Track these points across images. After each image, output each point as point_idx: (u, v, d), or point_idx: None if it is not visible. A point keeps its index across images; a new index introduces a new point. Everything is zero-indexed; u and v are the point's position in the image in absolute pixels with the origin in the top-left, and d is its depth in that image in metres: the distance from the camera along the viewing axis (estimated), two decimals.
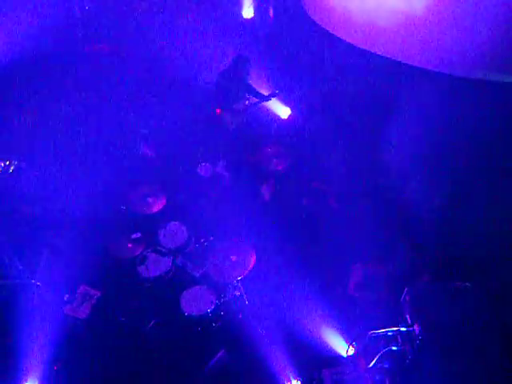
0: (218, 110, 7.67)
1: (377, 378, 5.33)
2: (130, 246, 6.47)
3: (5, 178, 6.87)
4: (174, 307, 6.03)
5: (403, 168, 7.04)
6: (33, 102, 8.42)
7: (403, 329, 5.37)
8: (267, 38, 9.49)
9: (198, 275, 6.37)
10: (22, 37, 8.75)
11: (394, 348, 5.35)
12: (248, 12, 9.80)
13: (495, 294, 5.56)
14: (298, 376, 5.61)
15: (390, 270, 6.35)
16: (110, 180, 7.16)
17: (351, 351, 5.60)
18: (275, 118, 8.31)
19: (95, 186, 7.15)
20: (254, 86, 7.69)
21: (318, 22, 8.18)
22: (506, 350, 5.03)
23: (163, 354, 5.91)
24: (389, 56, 7.25)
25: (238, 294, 6.15)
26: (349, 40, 7.62)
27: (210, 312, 5.95)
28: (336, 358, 5.71)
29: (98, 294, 6.23)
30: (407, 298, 5.56)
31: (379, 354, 5.30)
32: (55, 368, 5.76)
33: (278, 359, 5.75)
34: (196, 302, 6.00)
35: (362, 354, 5.51)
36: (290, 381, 5.58)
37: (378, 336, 5.46)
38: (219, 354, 5.84)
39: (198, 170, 7.46)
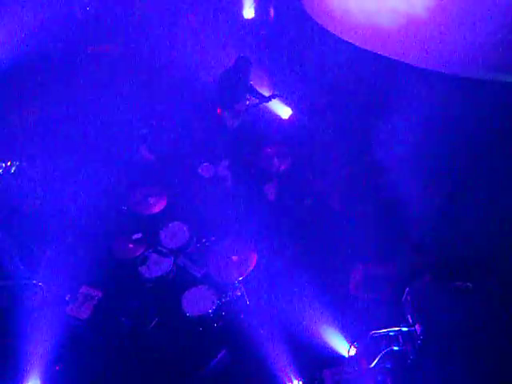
0: (219, 110, 7.68)
1: (378, 378, 5.33)
2: (131, 246, 6.48)
3: (6, 178, 6.87)
4: (175, 307, 6.03)
5: (403, 168, 7.04)
6: (34, 102, 8.43)
7: (404, 329, 5.39)
8: (268, 38, 9.49)
9: (199, 275, 6.38)
10: (22, 37, 8.75)
11: (395, 348, 5.36)
12: (249, 12, 9.80)
13: (496, 294, 5.56)
14: (300, 376, 5.60)
15: (391, 270, 6.35)
16: (111, 180, 7.17)
17: (352, 351, 5.61)
18: (276, 118, 8.31)
19: (96, 186, 7.15)
20: (255, 86, 7.69)
21: (318, 22, 8.19)
22: (507, 350, 5.04)
23: (164, 354, 5.91)
24: (390, 56, 7.25)
25: (239, 294, 6.15)
26: (350, 40, 7.62)
27: (212, 312, 5.95)
28: (337, 358, 5.70)
29: (100, 295, 6.23)
30: (408, 298, 5.57)
31: (380, 354, 5.32)
32: (57, 368, 5.77)
33: (280, 359, 5.75)
34: (197, 302, 6.01)
35: (364, 354, 5.51)
36: (292, 381, 5.58)
37: (380, 336, 5.47)
38: (221, 354, 5.85)
39: (199, 171, 7.47)
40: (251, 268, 6.05)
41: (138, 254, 6.44)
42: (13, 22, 8.73)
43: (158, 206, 6.80)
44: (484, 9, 6.27)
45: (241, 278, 6.05)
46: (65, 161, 7.58)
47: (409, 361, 5.30)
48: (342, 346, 5.77)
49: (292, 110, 8.31)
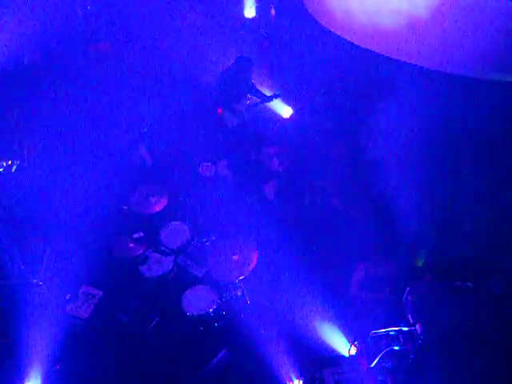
0: (220, 110, 7.68)
1: (379, 377, 5.33)
2: (131, 245, 6.49)
3: (7, 177, 6.87)
4: (175, 307, 6.04)
5: (403, 168, 7.04)
6: (33, 101, 8.41)
7: (405, 328, 5.39)
8: (269, 37, 9.48)
9: (199, 275, 6.38)
10: (22, 36, 8.75)
11: (395, 348, 5.36)
12: (250, 12, 9.79)
13: (496, 294, 5.56)
14: (300, 375, 5.61)
15: (391, 269, 6.34)
16: (111, 180, 7.16)
17: (353, 351, 5.61)
18: (277, 117, 8.30)
19: (97, 185, 7.15)
20: (256, 86, 7.69)
21: (319, 22, 8.17)
22: (508, 350, 5.03)
23: (165, 354, 5.91)
24: (391, 55, 7.24)
25: (239, 293, 6.16)
26: (351, 39, 7.61)
27: (212, 312, 5.95)
28: (338, 358, 5.70)
29: (100, 294, 6.25)
30: (409, 298, 5.58)
31: (381, 354, 5.31)
32: (57, 367, 5.77)
33: (280, 358, 5.75)
34: (198, 302, 6.01)
35: (364, 353, 5.51)
36: (292, 380, 5.58)
37: (380, 336, 5.47)
38: (221, 354, 5.85)
39: (200, 170, 7.47)
40: (252, 267, 6.04)
41: (138, 253, 6.44)
42: (13, 22, 8.73)
43: (158, 206, 6.79)
44: (485, 9, 6.26)
45: (241, 278, 6.05)
46: (65, 160, 7.58)
47: (409, 360, 5.29)
48: (343, 346, 5.77)
49: (293, 109, 8.30)
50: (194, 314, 5.94)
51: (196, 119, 8.29)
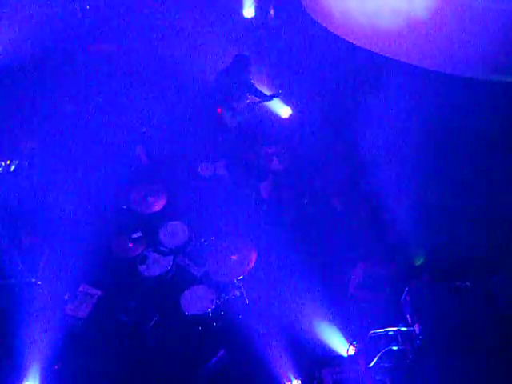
0: (219, 110, 7.67)
1: (377, 377, 5.33)
2: (130, 245, 6.48)
3: (6, 177, 6.87)
4: (174, 307, 6.03)
5: (403, 168, 7.04)
6: (33, 101, 8.42)
7: (404, 328, 5.40)
8: (268, 37, 9.48)
9: (198, 275, 6.38)
10: (22, 36, 8.75)
11: (394, 348, 5.36)
12: (249, 11, 9.79)
13: (495, 294, 5.56)
14: (299, 375, 5.60)
15: (391, 269, 6.35)
16: (110, 179, 7.16)
17: (352, 351, 5.61)
18: (276, 117, 8.30)
19: (96, 185, 7.15)
20: (255, 85, 7.69)
21: (318, 22, 8.18)
22: (506, 350, 5.04)
23: (163, 353, 5.91)
24: (391, 56, 7.25)
25: (238, 293, 6.15)
26: (350, 39, 7.62)
27: (211, 311, 5.95)
28: (336, 358, 5.70)
29: (99, 293, 6.24)
30: (408, 298, 5.58)
31: (380, 354, 5.32)
32: (56, 367, 5.77)
33: (279, 358, 5.75)
34: (196, 302, 6.01)
35: (363, 353, 5.51)
36: (291, 380, 5.58)
37: (379, 335, 5.48)
38: (219, 354, 5.85)
39: (199, 170, 7.47)
40: (250, 267, 6.04)
41: (137, 252, 6.43)
42: (12, 22, 8.73)
43: (157, 205, 6.79)
44: (485, 10, 6.27)
45: (240, 278, 6.05)
46: (64, 159, 7.58)
47: (408, 360, 5.30)
48: (341, 346, 5.77)
49: (292, 109, 8.30)
50: (193, 313, 5.93)
51: (195, 119, 8.29)
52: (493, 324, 5.22)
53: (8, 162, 6.91)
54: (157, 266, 6.32)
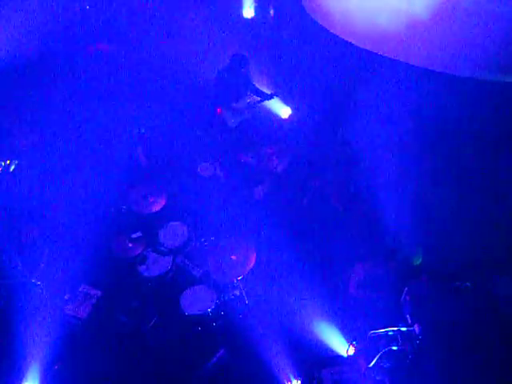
0: (219, 110, 7.67)
1: (377, 377, 5.34)
2: (130, 245, 6.48)
3: (5, 177, 6.87)
4: (174, 307, 6.03)
5: (403, 168, 7.05)
6: (33, 101, 8.42)
7: (403, 328, 5.40)
8: (268, 37, 9.48)
9: (198, 275, 6.37)
10: (22, 36, 8.74)
11: (394, 348, 5.37)
12: (249, 12, 9.79)
13: (495, 294, 5.57)
14: (298, 375, 5.60)
15: (390, 269, 6.34)
16: (110, 179, 7.16)
17: (351, 351, 5.61)
18: (276, 117, 8.30)
19: (96, 185, 7.15)
20: (255, 85, 7.70)
21: (318, 22, 8.18)
22: (506, 350, 5.04)
23: (163, 354, 5.91)
24: (390, 56, 7.25)
25: (238, 293, 6.16)
26: (350, 40, 7.62)
27: (210, 311, 5.95)
28: (336, 358, 5.70)
29: (99, 294, 6.24)
30: (407, 298, 5.58)
31: (379, 354, 5.32)
32: (55, 367, 5.76)
33: (278, 358, 5.74)
34: (196, 302, 6.00)
35: (362, 353, 5.51)
36: (290, 380, 5.58)
37: (378, 336, 5.48)
38: (219, 354, 5.85)
39: (199, 170, 7.47)
40: (250, 267, 6.04)
41: (137, 253, 6.43)
42: (12, 22, 8.73)
43: (157, 205, 6.78)
44: (484, 10, 6.27)
45: (240, 278, 6.05)
46: (64, 159, 7.58)
47: (407, 360, 5.30)
48: (341, 346, 5.77)
49: (292, 109, 8.30)
50: (193, 313, 5.93)
51: (195, 119, 8.29)
52: (493, 324, 5.22)
53: (8, 162, 6.92)
54: (156, 266, 6.32)
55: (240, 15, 9.79)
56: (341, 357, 5.69)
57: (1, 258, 6.19)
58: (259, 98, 7.75)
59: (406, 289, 5.65)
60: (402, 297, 5.69)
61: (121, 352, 5.90)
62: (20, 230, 6.55)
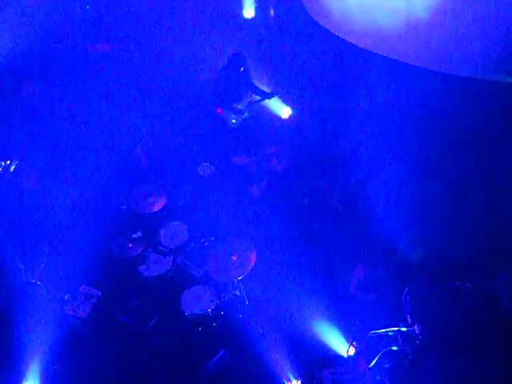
0: (219, 110, 7.67)
1: (377, 377, 5.33)
2: (130, 245, 6.49)
3: (5, 177, 6.87)
4: (174, 307, 6.03)
5: (403, 168, 7.05)
6: (32, 101, 8.42)
7: (404, 329, 5.40)
8: (268, 37, 9.48)
9: (198, 275, 6.37)
10: (22, 36, 8.75)
11: (394, 348, 5.37)
12: (249, 12, 9.79)
13: (496, 294, 5.56)
14: (298, 376, 5.60)
15: (390, 269, 6.35)
16: (110, 179, 7.16)
17: (351, 351, 5.61)
18: (276, 117, 8.30)
19: (96, 185, 7.15)
20: (255, 84, 7.70)
21: (319, 22, 8.19)
22: (506, 350, 5.04)
23: (164, 354, 5.91)
24: (390, 56, 7.26)
25: (238, 293, 6.16)
26: (350, 40, 7.62)
27: (211, 311, 5.95)
28: (336, 358, 5.69)
29: (99, 294, 6.23)
30: (408, 298, 5.58)
31: (379, 354, 5.32)
32: (56, 367, 5.76)
33: (278, 359, 5.75)
34: (196, 302, 6.01)
35: (363, 353, 5.51)
36: (290, 380, 5.58)
37: (379, 336, 5.48)
38: (219, 354, 5.85)
39: (199, 170, 7.47)
40: (250, 267, 6.04)
41: (137, 253, 6.44)
42: (12, 22, 8.73)
43: (157, 205, 6.78)
44: (484, 10, 6.27)
45: (240, 278, 6.05)
46: (64, 159, 7.58)
47: (408, 361, 5.30)
48: (341, 346, 5.77)
49: (292, 109, 8.29)
50: (193, 313, 5.93)
51: (195, 119, 8.29)
52: (492, 324, 5.22)
53: (8, 162, 6.91)
54: (157, 266, 6.32)
55: (240, 15, 9.79)
56: (341, 357, 5.69)
57: (1, 258, 6.19)
58: (259, 97, 7.75)
59: (406, 289, 5.65)
60: (402, 297, 5.69)
61: (121, 352, 5.89)
62: (20, 230, 6.56)
